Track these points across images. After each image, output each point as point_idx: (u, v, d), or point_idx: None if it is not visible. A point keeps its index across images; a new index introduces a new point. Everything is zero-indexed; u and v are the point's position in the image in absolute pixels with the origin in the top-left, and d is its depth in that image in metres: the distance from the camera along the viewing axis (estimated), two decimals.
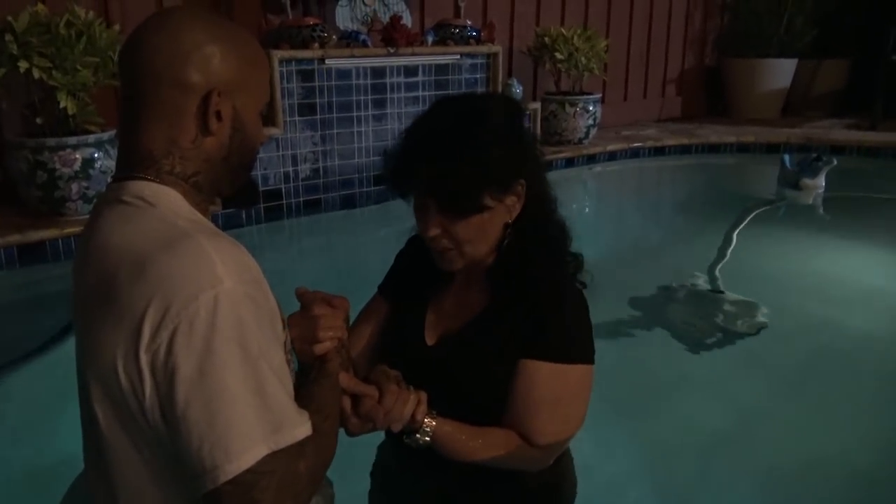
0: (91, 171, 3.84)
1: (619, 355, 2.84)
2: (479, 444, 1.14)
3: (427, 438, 1.10)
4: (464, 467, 1.16)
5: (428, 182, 1.12)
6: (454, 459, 1.14)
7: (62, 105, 3.71)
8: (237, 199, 1.06)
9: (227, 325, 0.80)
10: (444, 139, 1.12)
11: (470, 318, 1.23)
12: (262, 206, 4.62)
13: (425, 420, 1.10)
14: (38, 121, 3.83)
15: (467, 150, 1.10)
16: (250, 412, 0.79)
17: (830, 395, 2.75)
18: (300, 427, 0.84)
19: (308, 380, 1.00)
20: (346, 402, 1.04)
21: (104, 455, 0.88)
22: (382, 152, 1.20)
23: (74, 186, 3.82)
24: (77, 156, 3.80)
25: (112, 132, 4.01)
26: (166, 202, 0.90)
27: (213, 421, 0.78)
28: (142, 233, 0.86)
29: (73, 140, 3.80)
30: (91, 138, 3.86)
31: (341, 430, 1.03)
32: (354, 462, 1.40)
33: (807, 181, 5.30)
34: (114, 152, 3.95)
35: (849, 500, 2.17)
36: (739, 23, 8.27)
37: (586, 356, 1.20)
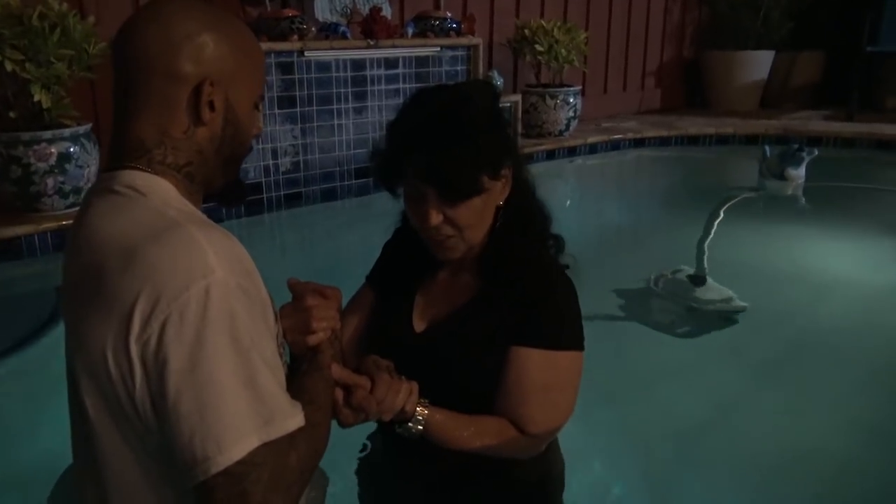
0: (67, 166, 3.77)
1: (600, 344, 2.81)
2: (471, 433, 1.14)
3: (419, 427, 1.10)
4: (453, 457, 1.16)
5: (425, 170, 1.11)
6: (446, 448, 1.13)
7: (36, 98, 3.64)
8: (224, 195, 1.05)
9: (218, 316, 0.79)
10: (435, 126, 1.12)
11: (458, 305, 1.23)
12: (234, 207, 4.58)
13: (417, 409, 1.10)
14: (12, 115, 3.75)
15: (460, 134, 1.10)
16: (242, 403, 0.79)
17: (810, 381, 2.78)
18: (292, 418, 0.84)
19: (300, 371, 0.99)
20: (339, 394, 1.03)
21: (93, 447, 0.87)
22: (369, 148, 1.19)
23: (50, 181, 3.75)
24: (52, 150, 3.73)
25: (88, 126, 3.95)
26: (158, 192, 0.90)
27: (204, 412, 0.77)
28: (131, 222, 0.85)
29: (48, 134, 3.72)
30: (66, 132, 3.79)
31: (333, 422, 1.02)
32: (348, 453, 1.39)
33: (791, 171, 5.37)
34: (90, 146, 3.90)
35: (828, 485, 2.19)
36: (717, 15, 8.33)
37: (576, 343, 1.20)
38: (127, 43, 0.91)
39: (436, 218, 1.14)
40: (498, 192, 1.17)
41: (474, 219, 1.15)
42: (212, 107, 0.92)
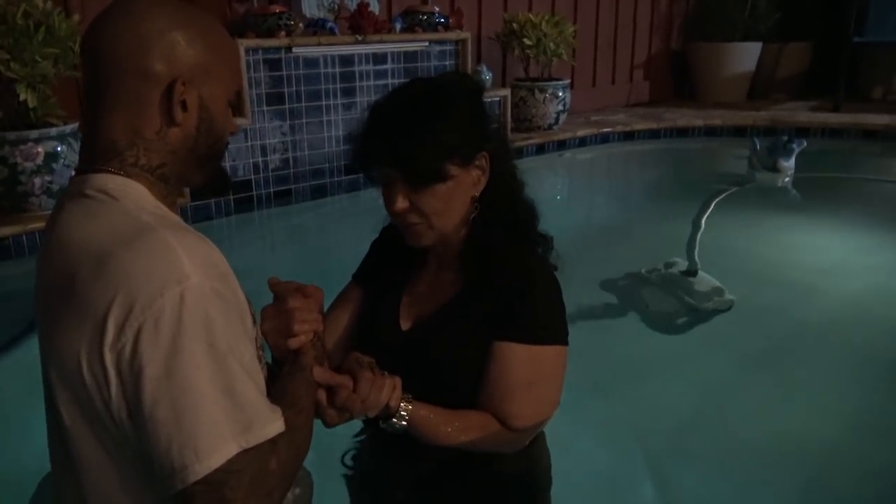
0: (54, 165, 3.76)
1: (590, 337, 2.86)
2: (455, 428, 1.14)
3: (403, 423, 1.10)
4: (440, 453, 1.16)
5: (391, 155, 1.12)
6: (431, 443, 1.13)
7: (22, 98, 3.62)
8: (208, 188, 1.03)
9: (194, 322, 0.78)
10: (404, 113, 1.13)
11: (443, 302, 1.23)
12: (231, 197, 4.57)
13: (401, 404, 1.10)
14: None
15: (427, 119, 1.11)
16: (219, 410, 0.78)
17: (800, 371, 2.80)
18: (271, 424, 0.83)
19: (282, 374, 0.98)
20: (322, 395, 1.03)
21: (71, 455, 0.86)
22: (349, 133, 1.20)
23: (37, 181, 3.73)
24: (39, 149, 3.71)
25: (75, 125, 3.92)
26: (131, 196, 0.88)
27: (181, 420, 0.76)
28: (104, 228, 0.83)
29: (34, 133, 3.70)
30: (53, 131, 3.78)
31: (319, 423, 1.02)
32: (333, 450, 1.39)
33: (783, 163, 5.40)
34: (77, 146, 3.87)
35: (817, 474, 2.21)
36: (704, 7, 8.34)
37: (559, 337, 1.20)
38: (96, 40, 0.89)
39: (401, 203, 1.14)
40: (470, 182, 1.17)
41: (440, 206, 1.14)
42: (184, 106, 0.90)
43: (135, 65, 0.87)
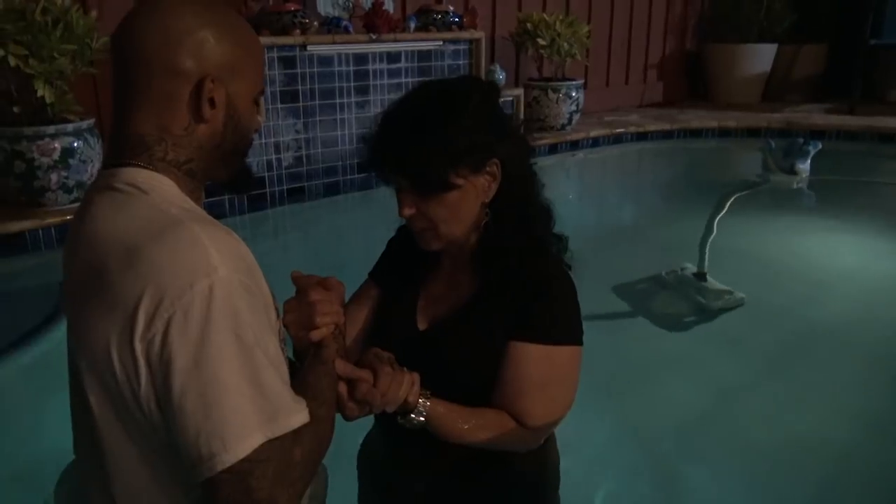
0: (71, 161, 3.78)
1: (603, 337, 2.85)
2: (472, 425, 1.15)
3: (421, 418, 1.11)
4: (452, 449, 1.17)
5: (399, 163, 1.13)
6: (447, 440, 1.14)
7: (39, 93, 3.65)
8: (232, 185, 1.04)
9: (222, 314, 0.79)
10: (412, 119, 1.13)
11: (459, 303, 1.24)
12: (245, 195, 4.59)
13: (419, 400, 1.10)
14: (15, 109, 3.77)
15: (432, 128, 1.11)
16: (246, 401, 0.79)
17: (812, 373, 2.80)
18: (296, 415, 0.84)
19: (303, 366, 1.00)
20: (342, 388, 1.04)
21: (98, 444, 0.87)
22: (361, 137, 1.20)
23: (54, 176, 3.76)
24: (56, 145, 3.74)
25: (91, 121, 3.95)
26: (159, 189, 0.89)
27: (209, 410, 0.78)
28: (133, 221, 0.85)
29: (51, 129, 3.73)
30: (70, 127, 3.80)
31: (337, 415, 1.03)
32: (349, 445, 1.40)
33: (799, 165, 5.38)
34: (94, 141, 3.91)
35: (827, 474, 2.21)
36: (720, 7, 8.31)
37: (574, 338, 1.20)
38: (126, 38, 0.91)
39: (408, 209, 1.15)
40: (481, 188, 1.16)
41: (447, 214, 1.15)
42: (213, 103, 0.91)
43: (165, 62, 0.89)
